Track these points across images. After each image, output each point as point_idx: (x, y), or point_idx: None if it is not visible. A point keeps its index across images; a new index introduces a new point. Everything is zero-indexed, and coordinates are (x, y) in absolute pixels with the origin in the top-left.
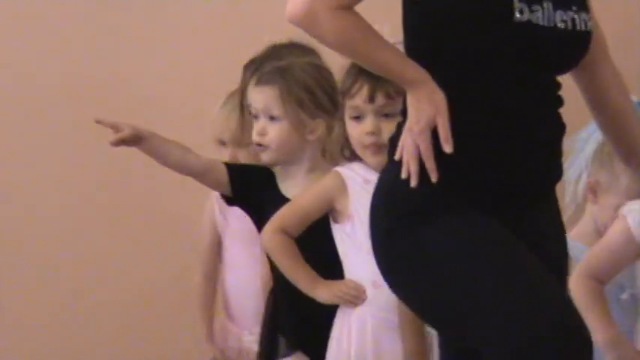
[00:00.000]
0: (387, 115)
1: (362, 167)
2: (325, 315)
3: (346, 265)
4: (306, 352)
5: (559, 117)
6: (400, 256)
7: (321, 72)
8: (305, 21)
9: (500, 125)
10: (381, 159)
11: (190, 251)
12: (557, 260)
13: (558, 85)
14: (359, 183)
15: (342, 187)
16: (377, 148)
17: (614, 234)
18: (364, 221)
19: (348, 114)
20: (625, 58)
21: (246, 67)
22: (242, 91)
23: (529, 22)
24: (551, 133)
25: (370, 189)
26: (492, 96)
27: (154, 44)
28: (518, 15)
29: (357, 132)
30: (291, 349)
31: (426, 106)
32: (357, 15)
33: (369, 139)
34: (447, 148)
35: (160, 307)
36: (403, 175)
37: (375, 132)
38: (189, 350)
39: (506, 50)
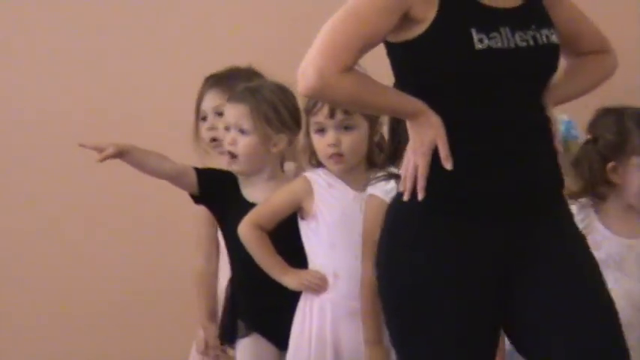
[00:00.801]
0: (346, 128)
1: (326, 173)
2: (278, 302)
3: (310, 257)
4: (261, 334)
5: (547, 132)
6: (381, 266)
7: (286, 93)
8: (320, 90)
9: (487, 141)
10: (342, 167)
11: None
12: (582, 256)
13: (541, 104)
14: (323, 186)
15: (309, 189)
16: (338, 157)
17: None
18: (327, 219)
19: (312, 129)
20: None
21: (206, 79)
22: (198, 100)
23: (489, 47)
24: (539, 146)
25: (333, 192)
26: (475, 116)
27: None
28: (478, 45)
29: (322, 144)
30: (249, 331)
31: (428, 131)
32: (358, 72)
33: (331, 150)
34: (448, 165)
35: (160, 302)
36: (399, 188)
37: (336, 143)
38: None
39: (476, 75)
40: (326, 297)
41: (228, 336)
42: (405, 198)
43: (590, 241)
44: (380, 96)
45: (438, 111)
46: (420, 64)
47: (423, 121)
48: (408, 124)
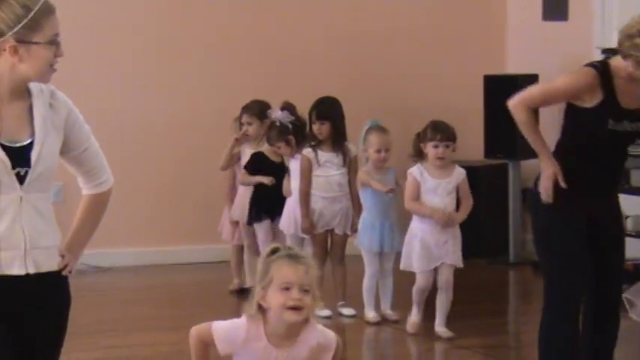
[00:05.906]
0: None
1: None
2: (280, 203)
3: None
4: (270, 220)
5: (624, 159)
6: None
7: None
8: (512, 108)
9: (595, 170)
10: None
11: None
12: (615, 230)
13: (626, 151)
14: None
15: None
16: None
17: (408, 184)
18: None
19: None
20: None
21: (243, 108)
22: (240, 117)
23: (615, 129)
24: (617, 167)
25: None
26: (594, 158)
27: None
28: (609, 127)
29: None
30: (264, 218)
31: (550, 168)
32: (532, 114)
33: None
34: (563, 184)
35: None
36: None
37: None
38: None
39: (604, 141)
40: (293, 198)
41: (251, 220)
42: (543, 201)
43: None
44: (532, 134)
45: (573, 152)
46: (575, 131)
47: (548, 163)
48: (541, 163)
